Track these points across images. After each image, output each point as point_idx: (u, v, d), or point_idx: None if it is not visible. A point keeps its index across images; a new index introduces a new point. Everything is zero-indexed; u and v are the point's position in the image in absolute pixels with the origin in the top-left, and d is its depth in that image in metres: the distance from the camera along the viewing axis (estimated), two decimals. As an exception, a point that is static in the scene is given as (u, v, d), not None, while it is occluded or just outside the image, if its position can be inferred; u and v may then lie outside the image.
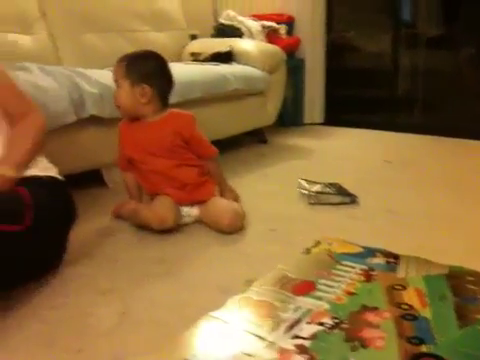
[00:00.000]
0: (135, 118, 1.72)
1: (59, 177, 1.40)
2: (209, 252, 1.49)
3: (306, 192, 1.91)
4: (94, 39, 2.61)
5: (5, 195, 1.16)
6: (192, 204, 1.69)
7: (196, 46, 3.04)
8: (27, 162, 1.31)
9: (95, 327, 1.10)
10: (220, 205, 1.68)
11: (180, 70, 2.46)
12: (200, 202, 1.70)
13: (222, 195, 1.77)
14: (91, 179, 2.11)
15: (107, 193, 2.09)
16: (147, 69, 1.69)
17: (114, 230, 1.69)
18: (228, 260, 1.42)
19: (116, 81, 1.68)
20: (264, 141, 3.10)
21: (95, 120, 1.98)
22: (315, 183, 1.95)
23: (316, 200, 1.87)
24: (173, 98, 2.17)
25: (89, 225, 1.65)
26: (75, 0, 2.57)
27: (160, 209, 1.61)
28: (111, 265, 1.41)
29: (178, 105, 1.94)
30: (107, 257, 1.46)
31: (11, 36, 2.25)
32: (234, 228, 1.62)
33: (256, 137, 3.09)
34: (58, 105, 1.77)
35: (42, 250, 1.26)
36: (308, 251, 1.38)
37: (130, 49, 2.72)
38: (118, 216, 1.78)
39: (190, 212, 1.69)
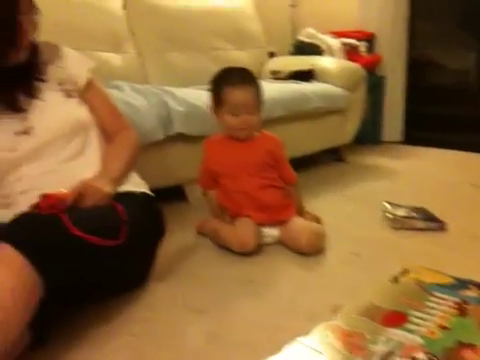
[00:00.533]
0: (233, 138, 1.73)
1: (150, 193, 1.44)
2: (294, 274, 1.48)
3: (390, 216, 1.86)
4: (179, 57, 2.70)
5: (103, 210, 1.20)
6: (273, 224, 1.69)
7: (276, 64, 3.06)
8: (122, 178, 1.35)
9: (184, 345, 1.12)
10: (299, 225, 1.67)
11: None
12: (281, 222, 1.69)
13: (305, 217, 1.76)
14: (173, 194, 2.16)
15: (188, 208, 2.13)
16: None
17: (196, 246, 1.72)
18: (313, 284, 1.41)
19: (245, 106, 1.65)
20: (342, 159, 3.06)
21: (180, 137, 2.04)
22: (400, 207, 1.90)
23: (401, 225, 1.82)
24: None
25: (172, 240, 1.66)
26: (162, 20, 2.67)
27: (241, 232, 1.61)
28: (197, 282, 1.43)
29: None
30: (192, 274, 1.49)
31: (104, 55, 2.37)
32: (313, 248, 1.60)
33: (333, 155, 3.05)
34: (148, 123, 1.84)
35: (133, 265, 1.30)
36: (396, 279, 1.33)
37: (212, 67, 2.79)
38: (201, 233, 1.81)
39: (271, 233, 1.69)
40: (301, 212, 1.79)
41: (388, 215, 1.88)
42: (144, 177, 1.51)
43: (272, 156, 1.72)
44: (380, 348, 1.01)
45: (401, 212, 1.86)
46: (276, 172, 1.74)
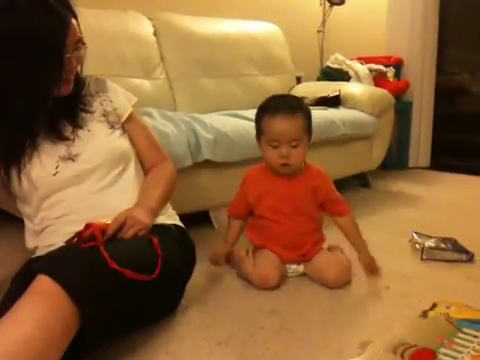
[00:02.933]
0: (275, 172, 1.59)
1: (181, 225, 1.46)
2: (320, 308, 1.45)
3: (419, 247, 1.83)
4: (207, 83, 2.73)
5: (140, 243, 1.22)
6: (299, 262, 1.65)
7: (303, 90, 3.07)
8: (159, 209, 1.38)
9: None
10: (326, 258, 1.62)
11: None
12: (307, 260, 1.64)
13: (360, 259, 1.63)
14: (197, 219, 2.14)
15: (212, 234, 2.12)
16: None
17: (221, 274, 1.70)
18: (341, 318, 1.38)
19: (286, 137, 1.48)
20: (366, 185, 3.03)
21: (206, 163, 2.05)
22: (429, 237, 1.87)
23: (430, 256, 1.79)
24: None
25: (197, 267, 1.63)
26: (191, 46, 2.71)
27: (263, 268, 1.55)
28: (222, 313, 1.41)
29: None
30: (218, 303, 1.48)
31: (134, 80, 2.41)
32: (341, 283, 1.56)
33: (358, 180, 3.03)
34: (177, 150, 1.86)
35: (165, 297, 1.30)
36: (425, 314, 1.31)
37: (240, 93, 2.86)
38: (216, 263, 1.71)
39: (297, 269, 1.65)
40: (360, 248, 1.63)
41: (417, 246, 1.86)
42: (171, 202, 1.53)
43: (318, 194, 1.60)
44: (409, 388, 0.99)
45: (430, 243, 1.83)
46: (319, 211, 1.64)
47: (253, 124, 2.18)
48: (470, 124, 3.60)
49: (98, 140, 1.36)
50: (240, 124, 2.19)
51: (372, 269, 1.61)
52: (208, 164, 2.06)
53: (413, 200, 2.73)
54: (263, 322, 1.36)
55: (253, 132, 2.15)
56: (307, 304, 1.48)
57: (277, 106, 1.51)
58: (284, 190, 1.59)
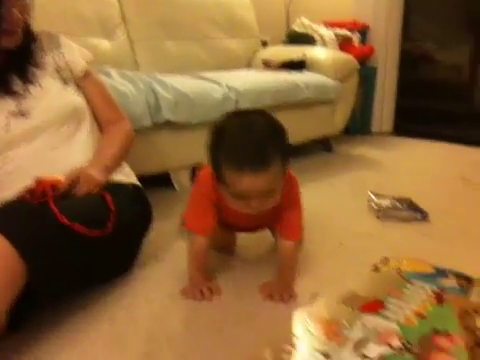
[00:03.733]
0: None
1: (138, 183, 1.46)
2: (273, 261, 1.42)
3: (375, 206, 1.87)
4: (170, 45, 2.68)
5: (92, 200, 1.21)
6: None
7: (268, 53, 3.05)
8: (114, 167, 1.37)
9: (161, 331, 1.12)
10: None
11: (253, 77, 2.50)
12: None
13: (281, 278, 1.34)
14: (159, 181, 2.14)
15: (173, 196, 2.13)
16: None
17: (179, 234, 1.71)
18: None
19: (257, 192, 1.13)
20: (329, 149, 3.06)
21: (167, 124, 2.04)
22: (385, 197, 1.91)
23: (385, 215, 1.83)
24: (244, 104, 2.20)
25: (158, 227, 1.61)
26: (155, 7, 2.65)
27: (222, 238, 1.50)
28: (179, 269, 1.40)
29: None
30: (174, 261, 1.48)
31: (93, 40, 2.35)
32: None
33: (321, 144, 3.06)
34: (136, 109, 1.84)
35: (119, 254, 1.31)
36: (377, 269, 1.35)
37: (204, 55, 2.82)
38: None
39: None
40: (286, 274, 1.34)
41: (373, 205, 1.90)
42: (131, 163, 1.52)
43: (281, 202, 1.25)
44: (355, 334, 1.02)
45: (386, 202, 1.87)
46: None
47: (215, 86, 2.18)
48: (433, 91, 3.64)
49: (50, 96, 1.33)
50: (202, 85, 2.17)
51: (284, 295, 1.26)
52: (169, 125, 2.04)
53: (373, 164, 2.77)
54: (217, 277, 1.38)
55: (215, 94, 2.15)
56: (261, 259, 1.51)
57: (243, 156, 1.09)
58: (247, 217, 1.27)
